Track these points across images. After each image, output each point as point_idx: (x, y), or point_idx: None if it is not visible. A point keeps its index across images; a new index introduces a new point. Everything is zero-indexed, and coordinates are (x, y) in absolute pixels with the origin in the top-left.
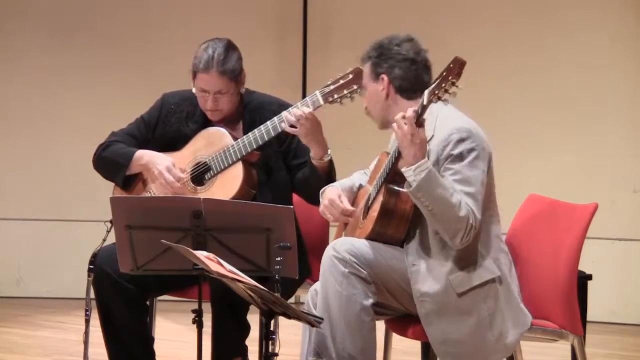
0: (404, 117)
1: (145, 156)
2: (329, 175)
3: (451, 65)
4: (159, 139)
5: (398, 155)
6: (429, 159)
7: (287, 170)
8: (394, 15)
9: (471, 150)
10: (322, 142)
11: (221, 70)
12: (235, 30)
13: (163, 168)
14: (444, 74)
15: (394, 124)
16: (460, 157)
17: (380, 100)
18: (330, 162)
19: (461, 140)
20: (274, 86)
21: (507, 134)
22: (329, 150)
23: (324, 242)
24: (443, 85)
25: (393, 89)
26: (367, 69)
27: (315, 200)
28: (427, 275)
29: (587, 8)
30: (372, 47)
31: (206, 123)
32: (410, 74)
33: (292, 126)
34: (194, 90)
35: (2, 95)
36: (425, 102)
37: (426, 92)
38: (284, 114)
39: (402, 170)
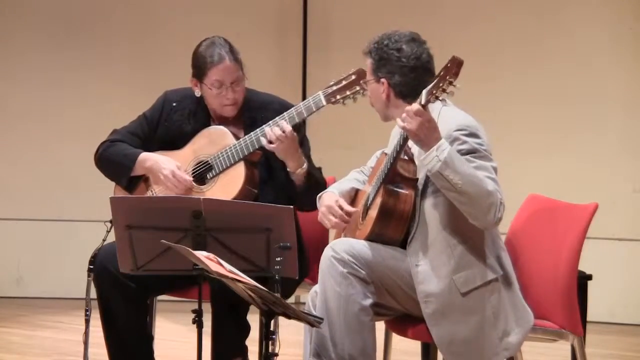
0: (414, 111)
1: (149, 160)
2: (307, 185)
3: (449, 65)
4: (161, 137)
5: (397, 156)
6: None
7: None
8: (394, 14)
9: (480, 144)
10: (296, 157)
11: (234, 58)
12: (236, 29)
13: (169, 172)
14: (442, 73)
15: (404, 117)
16: (472, 150)
17: (381, 99)
18: (307, 174)
19: (470, 135)
20: (274, 86)
21: (507, 133)
22: (305, 164)
23: (324, 243)
24: (441, 85)
25: (393, 93)
26: (367, 63)
27: (300, 207)
28: (431, 275)
29: (587, 6)
30: (374, 46)
31: (208, 122)
32: (410, 80)
33: (270, 142)
34: (197, 93)
35: (2, 95)
36: (423, 102)
37: (424, 92)
38: (266, 128)
39: (423, 157)
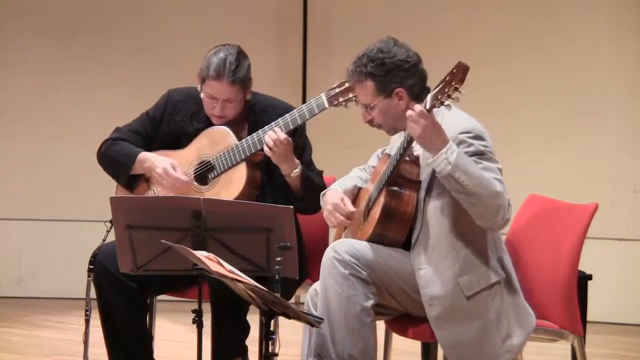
0: (417, 113)
1: (148, 160)
2: (304, 189)
3: (454, 71)
4: (164, 136)
5: (400, 158)
6: None
7: None
8: (394, 15)
9: (486, 146)
10: (291, 161)
11: (232, 80)
12: (236, 30)
13: (161, 171)
14: (447, 78)
15: (411, 119)
16: (478, 153)
17: (396, 112)
18: (301, 175)
19: (476, 138)
20: (274, 86)
21: (507, 133)
22: (299, 167)
23: (324, 243)
24: (446, 90)
25: (410, 97)
26: (368, 87)
27: (299, 211)
28: (435, 279)
29: (588, 7)
30: (370, 67)
31: (211, 122)
32: (419, 76)
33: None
34: (202, 94)
35: (2, 96)
36: (428, 107)
37: (429, 97)
38: (266, 133)
39: (432, 160)
